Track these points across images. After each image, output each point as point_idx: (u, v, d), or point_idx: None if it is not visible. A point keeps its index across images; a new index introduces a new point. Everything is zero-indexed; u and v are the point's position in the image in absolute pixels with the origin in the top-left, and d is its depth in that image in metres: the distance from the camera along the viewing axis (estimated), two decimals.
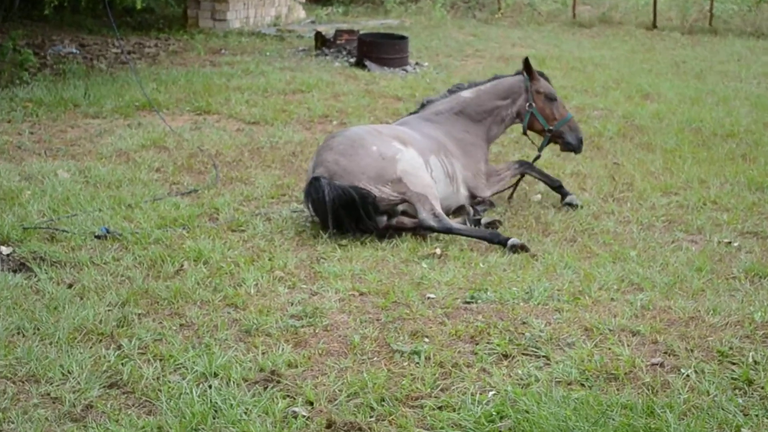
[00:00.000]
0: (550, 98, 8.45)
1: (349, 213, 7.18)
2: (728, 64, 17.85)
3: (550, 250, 7.17)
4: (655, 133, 11.39)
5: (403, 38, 16.59)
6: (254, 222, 7.56)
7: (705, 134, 11.46)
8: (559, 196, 8.47)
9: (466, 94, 8.47)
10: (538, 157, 8.66)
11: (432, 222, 7.29)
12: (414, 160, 7.47)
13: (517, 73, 8.61)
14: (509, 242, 7.20)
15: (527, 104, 8.40)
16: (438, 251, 7.07)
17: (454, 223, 7.45)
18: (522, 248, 7.16)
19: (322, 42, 17.50)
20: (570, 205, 8.32)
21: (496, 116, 8.42)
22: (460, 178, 8.03)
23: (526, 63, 8.48)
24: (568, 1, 26.02)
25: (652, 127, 11.74)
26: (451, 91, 8.61)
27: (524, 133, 8.67)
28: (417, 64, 16.54)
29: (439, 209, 7.39)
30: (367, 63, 15.76)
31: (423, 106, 8.60)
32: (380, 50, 15.97)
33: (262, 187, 8.60)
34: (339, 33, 17.55)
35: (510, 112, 8.44)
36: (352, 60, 16.40)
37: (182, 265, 6.58)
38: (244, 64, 15.68)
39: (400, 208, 7.50)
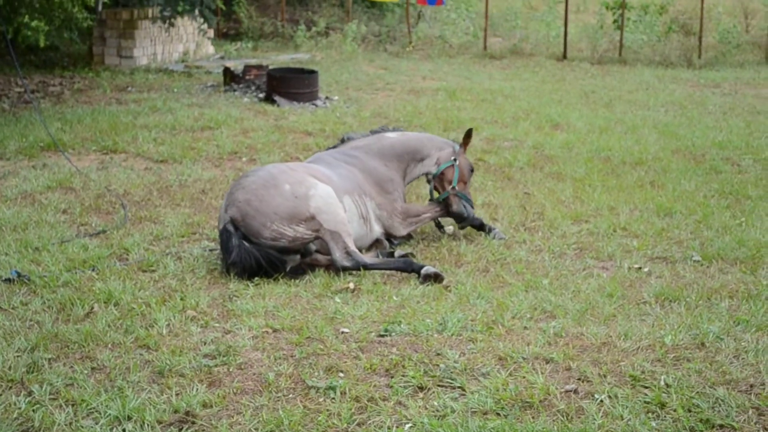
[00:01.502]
0: (470, 170, 8.63)
1: (256, 270, 7.20)
2: (637, 93, 18.18)
3: (463, 281, 7.21)
4: (564, 163, 11.54)
5: (312, 72, 16.58)
6: (165, 261, 7.47)
7: (614, 162, 11.65)
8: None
9: (390, 134, 8.53)
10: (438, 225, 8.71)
11: (346, 263, 7.33)
12: (328, 195, 7.44)
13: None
14: (423, 271, 7.24)
15: (453, 158, 8.47)
16: (351, 285, 7.05)
17: (367, 258, 7.46)
18: (436, 277, 7.19)
19: (230, 77, 17.43)
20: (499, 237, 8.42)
21: (417, 157, 8.47)
22: (373, 218, 8.03)
23: (469, 133, 8.59)
24: (479, 34, 26.32)
25: (561, 157, 11.90)
26: (374, 132, 8.66)
27: (430, 181, 8.60)
28: (327, 98, 16.55)
29: (352, 246, 7.41)
30: (277, 98, 15.73)
31: (343, 141, 8.60)
32: (289, 85, 15.94)
33: (172, 225, 8.51)
34: (248, 68, 17.49)
35: (433, 157, 8.48)
36: (262, 95, 16.36)
37: (92, 308, 6.47)
38: (152, 101, 15.53)
39: (314, 246, 7.49)
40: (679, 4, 27.48)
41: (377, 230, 8.06)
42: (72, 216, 8.80)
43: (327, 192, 7.45)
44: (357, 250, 7.45)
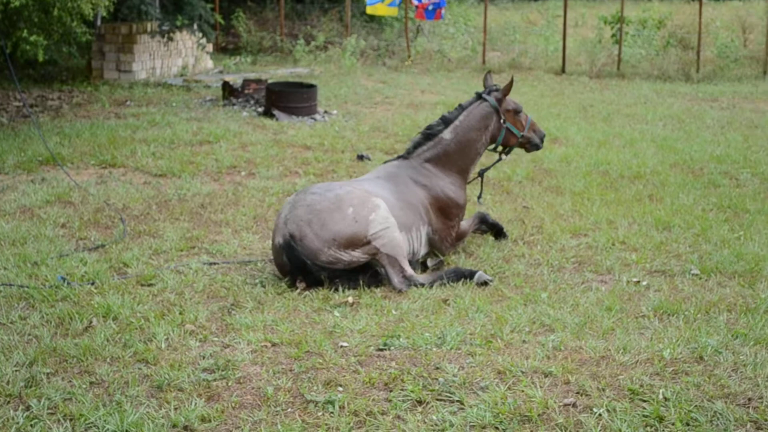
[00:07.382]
0: (517, 111, 8.59)
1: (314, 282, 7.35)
2: (635, 107, 18.21)
3: (462, 295, 7.20)
4: (563, 177, 11.55)
5: (311, 87, 16.62)
6: (164, 275, 7.47)
7: (612, 176, 11.65)
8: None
9: (446, 135, 8.37)
10: (499, 160, 8.84)
11: (404, 287, 7.36)
12: (387, 218, 7.44)
13: (479, 96, 8.53)
14: (476, 278, 7.48)
15: (502, 122, 8.46)
16: (350, 299, 7.05)
17: (422, 278, 7.50)
18: (486, 283, 7.46)
19: (229, 92, 17.45)
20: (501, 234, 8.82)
21: (474, 149, 8.43)
22: (423, 245, 8.05)
23: (509, 86, 8.53)
24: (478, 48, 26.39)
25: (560, 171, 11.91)
26: (430, 135, 8.42)
27: (495, 150, 8.71)
28: (326, 112, 16.58)
29: (409, 269, 7.47)
30: (275, 112, 15.75)
31: (409, 152, 8.44)
32: (288, 99, 15.97)
33: (171, 240, 8.51)
34: (247, 82, 17.51)
35: (484, 140, 8.46)
36: (260, 109, 16.39)
37: (91, 322, 6.46)
38: (150, 115, 15.56)
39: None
40: (677, 19, 27.55)
41: (422, 253, 8.09)
42: (71, 230, 8.81)
43: (387, 216, 7.46)
44: (413, 273, 7.50)
